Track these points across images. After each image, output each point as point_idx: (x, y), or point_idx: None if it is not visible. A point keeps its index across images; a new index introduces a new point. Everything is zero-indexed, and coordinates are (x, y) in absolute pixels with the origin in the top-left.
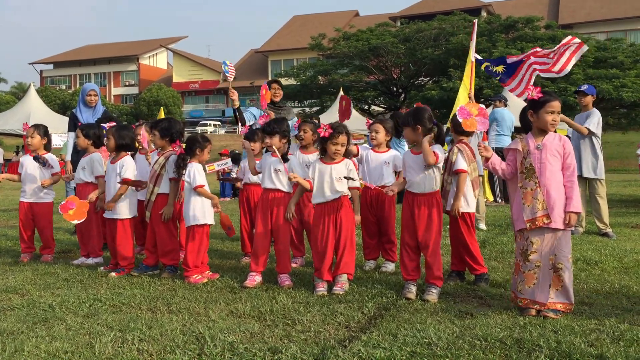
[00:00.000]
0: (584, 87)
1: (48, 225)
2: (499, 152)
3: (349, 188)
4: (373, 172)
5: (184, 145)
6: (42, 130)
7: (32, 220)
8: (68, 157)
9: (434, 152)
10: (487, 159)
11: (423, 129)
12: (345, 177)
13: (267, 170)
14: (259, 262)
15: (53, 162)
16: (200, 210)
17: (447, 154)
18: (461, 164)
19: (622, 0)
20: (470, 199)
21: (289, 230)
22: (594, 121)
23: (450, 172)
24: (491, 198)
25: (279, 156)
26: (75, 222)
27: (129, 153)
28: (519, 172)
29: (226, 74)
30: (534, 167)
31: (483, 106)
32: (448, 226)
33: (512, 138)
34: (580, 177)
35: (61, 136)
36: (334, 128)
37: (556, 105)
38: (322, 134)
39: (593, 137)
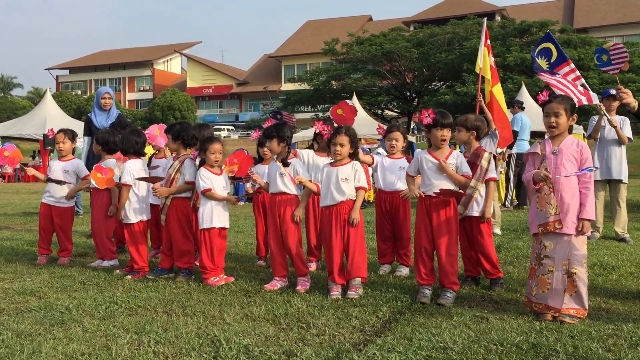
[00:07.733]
0: (613, 91)
1: (67, 228)
2: (520, 157)
3: (356, 188)
4: (388, 178)
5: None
6: (71, 135)
7: (51, 223)
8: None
9: (464, 174)
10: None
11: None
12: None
13: (273, 176)
14: (279, 267)
15: (79, 167)
16: (209, 214)
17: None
18: (494, 172)
19: (637, 4)
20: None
21: (297, 233)
22: (629, 128)
23: (480, 178)
24: (501, 201)
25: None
26: (93, 184)
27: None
28: None
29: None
30: (549, 171)
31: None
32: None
33: (530, 143)
34: (603, 181)
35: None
36: (334, 129)
37: (551, 107)
38: (325, 136)
39: None
